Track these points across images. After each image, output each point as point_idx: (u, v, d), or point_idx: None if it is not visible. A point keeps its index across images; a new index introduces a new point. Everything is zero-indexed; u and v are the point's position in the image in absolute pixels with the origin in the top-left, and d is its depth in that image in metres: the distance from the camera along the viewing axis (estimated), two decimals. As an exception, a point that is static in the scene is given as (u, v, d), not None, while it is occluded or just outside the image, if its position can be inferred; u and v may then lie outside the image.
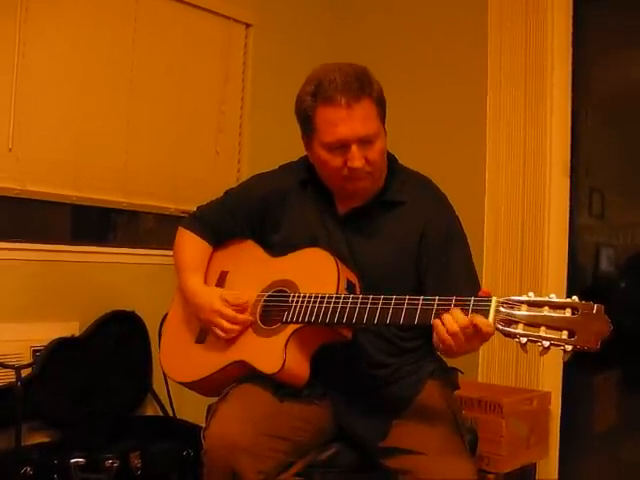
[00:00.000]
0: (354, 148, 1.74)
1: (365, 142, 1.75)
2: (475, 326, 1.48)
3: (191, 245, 2.02)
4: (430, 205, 1.88)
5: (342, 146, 1.74)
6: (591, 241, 3.14)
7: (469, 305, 1.51)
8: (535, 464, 2.89)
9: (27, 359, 2.63)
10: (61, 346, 2.66)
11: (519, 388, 2.95)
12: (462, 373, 2.00)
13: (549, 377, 2.94)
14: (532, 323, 1.42)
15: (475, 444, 1.95)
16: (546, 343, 1.40)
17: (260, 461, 1.66)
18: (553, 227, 2.99)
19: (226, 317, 1.83)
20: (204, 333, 1.91)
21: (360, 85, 1.73)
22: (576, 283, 3.00)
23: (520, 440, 2.73)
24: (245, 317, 1.83)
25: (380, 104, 1.79)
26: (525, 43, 3.07)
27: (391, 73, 2.99)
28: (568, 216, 3.04)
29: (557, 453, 2.97)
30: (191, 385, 1.92)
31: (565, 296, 1.43)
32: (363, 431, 1.80)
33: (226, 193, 2.08)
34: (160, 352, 2.04)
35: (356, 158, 1.74)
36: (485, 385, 2.99)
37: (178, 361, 1.97)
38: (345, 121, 1.72)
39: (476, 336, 1.50)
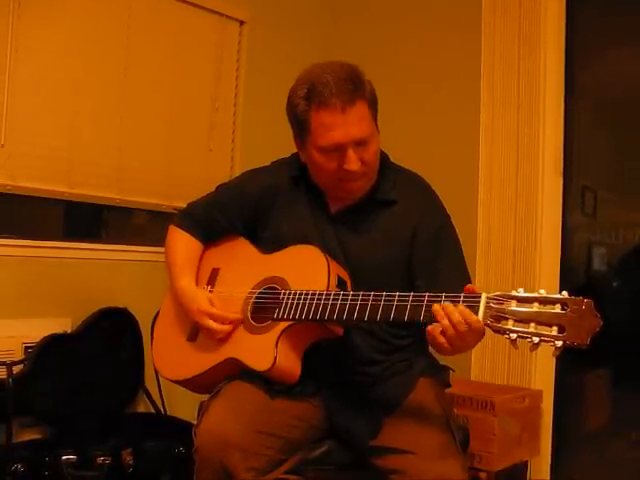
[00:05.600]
0: (350, 151, 1.73)
1: (361, 144, 1.74)
2: (465, 320, 1.48)
3: (182, 244, 2.02)
4: (421, 204, 1.88)
5: (337, 149, 1.74)
6: (583, 239, 3.15)
7: (459, 301, 1.51)
8: (527, 462, 2.90)
9: (19, 355, 2.63)
10: (53, 342, 2.65)
11: (511, 386, 2.96)
12: (453, 371, 2.00)
13: (541, 375, 2.95)
14: (522, 319, 1.43)
15: (467, 442, 1.95)
16: (536, 339, 1.40)
17: (251, 458, 1.66)
18: (546, 226, 3.00)
19: (214, 317, 1.83)
20: (196, 331, 1.91)
21: (354, 87, 1.72)
22: (568, 282, 3.00)
23: (512, 438, 2.73)
24: (234, 316, 1.83)
25: (372, 104, 1.78)
26: (518, 43, 3.08)
27: (384, 70, 3.01)
28: (561, 215, 3.04)
29: (549, 451, 2.98)
30: (183, 382, 1.92)
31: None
32: (354, 429, 1.80)
33: (218, 188, 2.08)
34: (152, 350, 2.04)
35: (352, 161, 1.74)
36: (477, 383, 3.00)
37: (170, 359, 1.97)
38: (341, 125, 1.71)
39: (468, 330, 1.49)
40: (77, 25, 2.85)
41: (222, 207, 2.00)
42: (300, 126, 1.79)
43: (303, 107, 1.75)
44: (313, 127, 1.75)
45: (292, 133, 1.86)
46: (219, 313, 1.83)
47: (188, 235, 2.02)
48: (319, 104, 1.72)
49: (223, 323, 1.82)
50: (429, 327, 1.55)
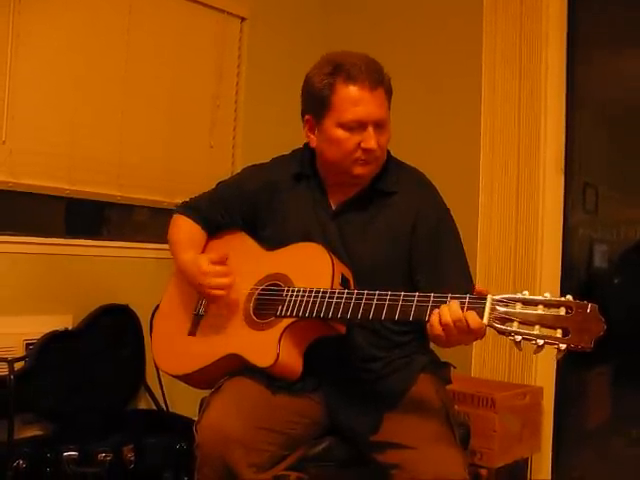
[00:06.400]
0: (370, 129, 1.76)
1: (379, 126, 1.78)
2: (467, 322, 1.49)
3: (186, 227, 2.03)
4: (421, 197, 1.89)
5: (359, 126, 1.77)
6: (585, 237, 3.15)
7: (464, 303, 1.51)
8: (527, 459, 2.90)
9: (20, 352, 2.63)
10: (54, 339, 2.65)
11: (512, 383, 2.96)
12: (454, 367, 2.00)
13: (542, 372, 2.95)
14: (527, 321, 1.43)
15: (467, 438, 1.95)
16: (540, 341, 1.41)
17: (253, 454, 1.66)
18: (547, 223, 3.00)
19: (215, 273, 1.84)
20: (196, 325, 1.91)
21: (379, 74, 1.79)
22: (570, 279, 3.00)
23: (512, 435, 2.74)
24: (227, 269, 1.85)
25: (389, 95, 1.83)
26: (519, 41, 3.07)
27: (385, 68, 3.00)
28: (562, 212, 3.04)
29: (550, 448, 2.98)
30: (184, 378, 1.92)
31: (559, 292, 1.44)
32: (355, 425, 1.80)
33: (218, 185, 2.08)
34: (152, 345, 2.03)
35: (372, 138, 1.76)
36: (478, 380, 3.00)
37: (171, 354, 1.97)
38: (366, 102, 1.76)
39: (468, 331, 1.51)
40: (78, 21, 2.85)
41: (223, 203, 2.00)
42: (319, 102, 1.80)
43: (328, 82, 1.78)
44: (337, 101, 1.77)
45: (303, 118, 1.87)
46: (217, 270, 1.84)
47: (191, 221, 2.02)
48: (347, 78, 1.76)
49: (224, 276, 1.84)
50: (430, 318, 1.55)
